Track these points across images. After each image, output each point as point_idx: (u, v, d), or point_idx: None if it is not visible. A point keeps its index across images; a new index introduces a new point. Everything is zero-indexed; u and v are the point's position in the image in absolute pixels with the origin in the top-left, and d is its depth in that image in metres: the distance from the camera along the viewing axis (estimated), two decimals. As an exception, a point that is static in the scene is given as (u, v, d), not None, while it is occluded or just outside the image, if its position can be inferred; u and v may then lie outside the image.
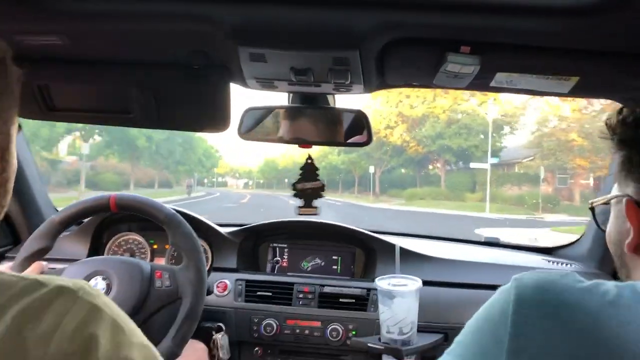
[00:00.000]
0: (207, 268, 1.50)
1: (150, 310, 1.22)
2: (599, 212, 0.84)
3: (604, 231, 0.81)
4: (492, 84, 1.05)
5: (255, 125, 1.36)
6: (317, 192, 1.41)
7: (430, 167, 38.66)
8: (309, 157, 1.39)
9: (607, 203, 0.78)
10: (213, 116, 1.21)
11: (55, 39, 1.04)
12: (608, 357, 0.54)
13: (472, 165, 30.37)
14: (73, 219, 1.32)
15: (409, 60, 1.02)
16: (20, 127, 0.67)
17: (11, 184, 0.65)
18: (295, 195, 1.41)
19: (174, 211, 1.35)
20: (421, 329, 1.41)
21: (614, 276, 1.57)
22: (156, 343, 1.14)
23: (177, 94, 1.20)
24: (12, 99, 0.62)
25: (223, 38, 0.97)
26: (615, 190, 0.75)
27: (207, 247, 1.73)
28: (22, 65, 0.63)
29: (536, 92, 1.08)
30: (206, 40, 1.04)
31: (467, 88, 1.08)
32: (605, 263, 1.59)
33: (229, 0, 0.89)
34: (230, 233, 1.77)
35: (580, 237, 1.74)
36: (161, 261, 1.74)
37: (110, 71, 1.18)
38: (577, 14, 0.81)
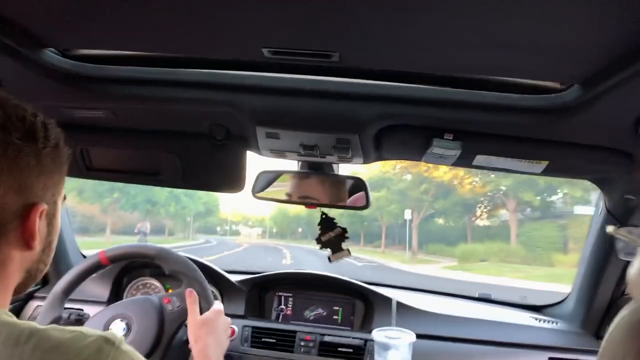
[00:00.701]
0: None
1: (170, 332, 1.38)
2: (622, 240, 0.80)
3: (622, 260, 0.79)
4: (474, 163, 1.21)
5: (267, 186, 1.52)
6: (342, 236, 1.54)
7: (478, 212, 27.67)
8: (323, 213, 1.53)
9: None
10: (231, 178, 1.38)
11: (99, 113, 1.23)
12: None
13: (579, 210, 19.43)
14: (74, 285, 1.45)
15: (401, 142, 1.18)
16: (65, 197, 0.79)
17: (54, 245, 0.77)
18: (322, 247, 1.53)
19: (164, 247, 1.50)
20: (413, 380, 1.52)
21: (597, 336, 1.68)
22: (185, 357, 1.28)
23: (200, 159, 1.37)
24: (62, 175, 0.75)
25: (243, 119, 1.15)
26: None
27: (217, 294, 1.86)
28: (67, 133, 0.76)
29: (513, 171, 1.24)
30: (228, 119, 1.22)
31: (452, 165, 1.24)
32: (588, 323, 1.69)
33: (250, 90, 1.07)
34: (239, 281, 1.90)
35: (567, 296, 1.85)
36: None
37: (143, 139, 1.37)
38: (537, 113, 0.98)
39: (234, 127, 1.26)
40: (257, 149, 1.33)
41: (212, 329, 1.28)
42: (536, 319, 1.82)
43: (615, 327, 0.56)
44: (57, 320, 1.40)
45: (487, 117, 1.03)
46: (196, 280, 1.43)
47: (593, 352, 1.62)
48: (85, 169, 1.39)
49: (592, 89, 0.88)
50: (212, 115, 1.23)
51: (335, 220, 1.56)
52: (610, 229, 0.85)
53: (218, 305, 1.37)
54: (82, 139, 1.35)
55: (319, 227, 1.56)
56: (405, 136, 1.15)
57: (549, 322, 1.78)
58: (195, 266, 1.47)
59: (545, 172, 1.20)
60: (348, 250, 1.54)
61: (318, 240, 1.55)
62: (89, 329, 0.66)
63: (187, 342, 1.30)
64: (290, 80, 1.05)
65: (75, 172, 1.40)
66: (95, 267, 1.48)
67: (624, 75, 0.79)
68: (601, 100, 0.90)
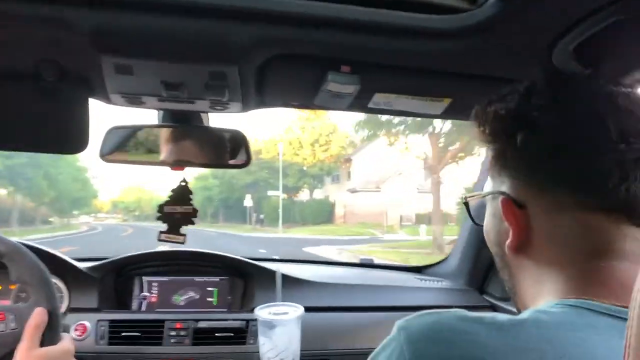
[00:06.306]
0: (63, 309, 1.30)
1: None
2: (474, 207, 0.76)
3: (480, 225, 0.74)
4: (370, 104, 1.06)
5: (120, 146, 1.23)
6: (188, 218, 1.29)
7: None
8: (183, 180, 1.28)
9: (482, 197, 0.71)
10: (69, 136, 1.07)
11: None
12: None
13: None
14: None
15: (289, 78, 0.99)
16: None
17: None
18: (160, 219, 1.27)
19: (18, 242, 1.15)
20: (303, 357, 1.37)
21: (481, 291, 1.69)
22: None
23: (25, 110, 1.04)
24: None
25: (81, 46, 0.86)
26: (489, 186, 0.70)
27: (62, 286, 1.51)
28: None
29: (411, 114, 1.12)
30: (60, 48, 0.91)
31: (347, 109, 1.08)
32: (472, 279, 1.70)
33: (88, 1, 0.78)
34: (90, 268, 1.58)
35: (449, 255, 1.85)
36: (6, 303, 1.48)
37: None
38: (445, 37, 0.84)
39: (69, 61, 0.95)
40: (103, 93, 1.03)
41: None
42: (420, 280, 1.78)
43: None
44: None
45: (388, 43, 0.88)
46: (47, 300, 1.06)
47: (480, 307, 1.62)
48: None
49: (509, 3, 0.77)
50: (37, 45, 0.91)
51: (191, 196, 1.31)
52: (459, 199, 0.76)
53: (68, 341, 1.05)
54: None
55: (171, 193, 1.30)
56: (295, 71, 0.96)
57: (433, 281, 1.75)
58: (51, 280, 1.10)
59: (446, 113, 1.10)
60: (184, 237, 1.28)
61: (160, 209, 1.28)
62: None
63: None
64: None
65: None
66: None
67: None
68: (515, 19, 0.79)
